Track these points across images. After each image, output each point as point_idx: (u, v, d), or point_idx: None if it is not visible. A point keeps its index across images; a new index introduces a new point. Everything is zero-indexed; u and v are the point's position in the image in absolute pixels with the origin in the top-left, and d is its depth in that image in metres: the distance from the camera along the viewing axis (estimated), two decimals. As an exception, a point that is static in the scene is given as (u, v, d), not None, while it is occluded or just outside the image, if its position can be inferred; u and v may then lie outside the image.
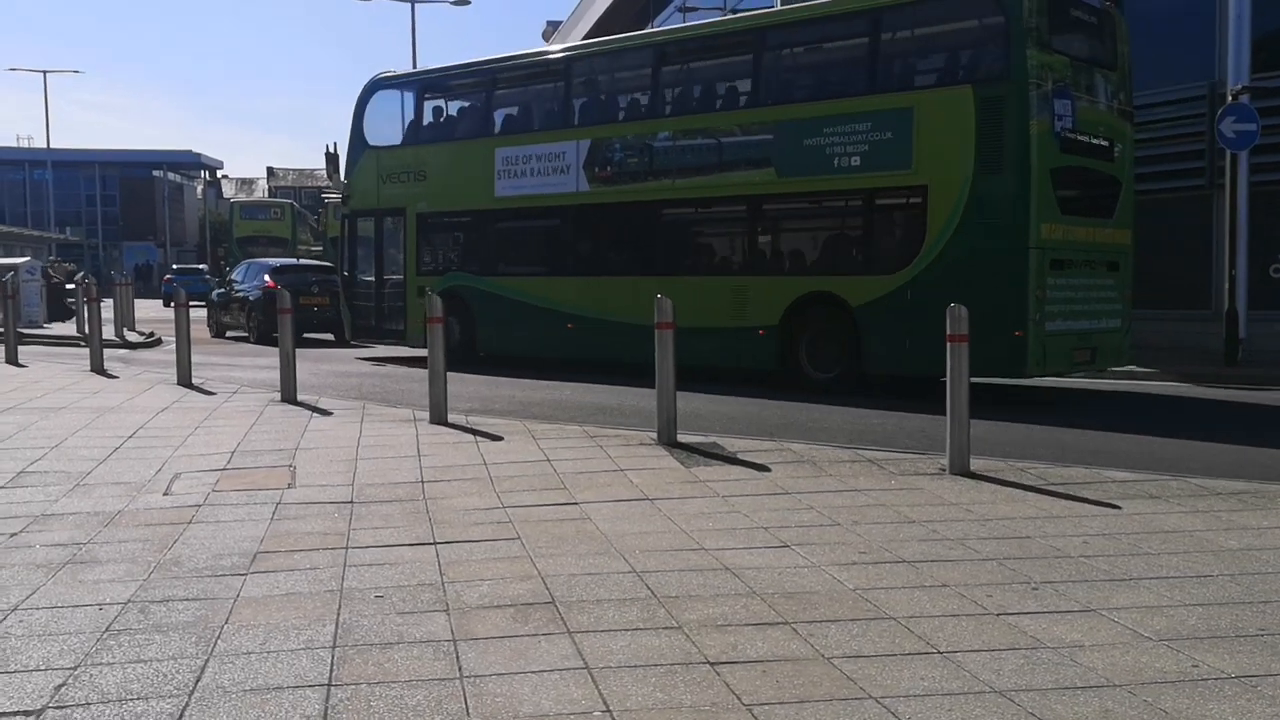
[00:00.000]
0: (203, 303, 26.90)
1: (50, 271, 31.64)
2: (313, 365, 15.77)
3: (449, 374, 9.85)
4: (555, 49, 16.79)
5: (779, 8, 16.82)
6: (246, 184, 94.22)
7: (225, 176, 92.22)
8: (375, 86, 18.14)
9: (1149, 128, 18.70)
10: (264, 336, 21.86)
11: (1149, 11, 19.21)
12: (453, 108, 17.93)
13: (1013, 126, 11.64)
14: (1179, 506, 6.50)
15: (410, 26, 38.21)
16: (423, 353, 17.13)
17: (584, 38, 34.58)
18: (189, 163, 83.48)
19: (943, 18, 13.00)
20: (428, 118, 17.84)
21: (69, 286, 29.21)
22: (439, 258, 17.27)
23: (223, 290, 24.84)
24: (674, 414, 8.42)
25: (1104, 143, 12.72)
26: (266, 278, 22.32)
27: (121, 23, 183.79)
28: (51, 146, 64.74)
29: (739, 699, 3.59)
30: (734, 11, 26.07)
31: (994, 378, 12.55)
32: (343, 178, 18.61)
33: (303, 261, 26.36)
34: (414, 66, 38.15)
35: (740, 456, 7.87)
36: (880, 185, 12.67)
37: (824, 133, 12.94)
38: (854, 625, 4.32)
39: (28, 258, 31.95)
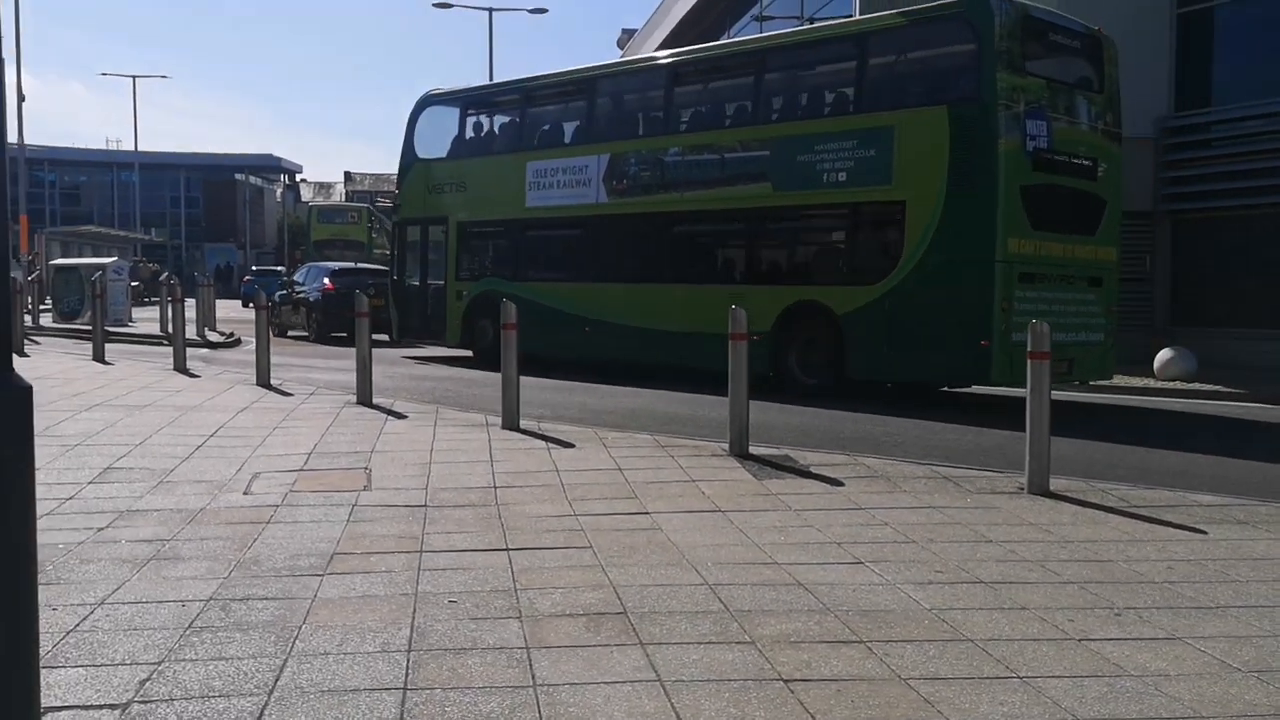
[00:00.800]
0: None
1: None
2: (378, 368, 16.08)
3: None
4: (580, 69, 17.80)
5: (804, 27, 17.28)
6: (324, 188, 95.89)
7: (304, 180, 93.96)
8: (425, 103, 19.23)
9: (1239, 141, 18.27)
10: (322, 336, 23.29)
11: (1241, 24, 18.78)
12: (491, 123, 18.92)
13: (982, 145, 12.21)
14: (1268, 533, 6.30)
15: (488, 35, 38.33)
16: (462, 352, 18.44)
17: (659, 46, 34.68)
18: (269, 166, 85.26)
19: (923, 42, 13.63)
20: (469, 132, 18.84)
21: (133, 284, 30.64)
22: (476, 264, 18.30)
23: (284, 292, 26.13)
24: (746, 425, 8.38)
25: (1085, 162, 13.12)
26: (325, 280, 23.61)
27: (208, 30, 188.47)
28: (139, 149, 66.57)
29: (813, 718, 3.55)
30: (811, 20, 25.93)
31: (962, 385, 13.57)
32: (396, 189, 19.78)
33: (359, 265, 27.57)
34: (490, 75, 38.61)
35: (813, 470, 7.80)
36: (863, 200, 13.35)
37: (815, 150, 13.67)
38: (930, 646, 4.25)
39: (115, 258, 32.85)
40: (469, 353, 18.12)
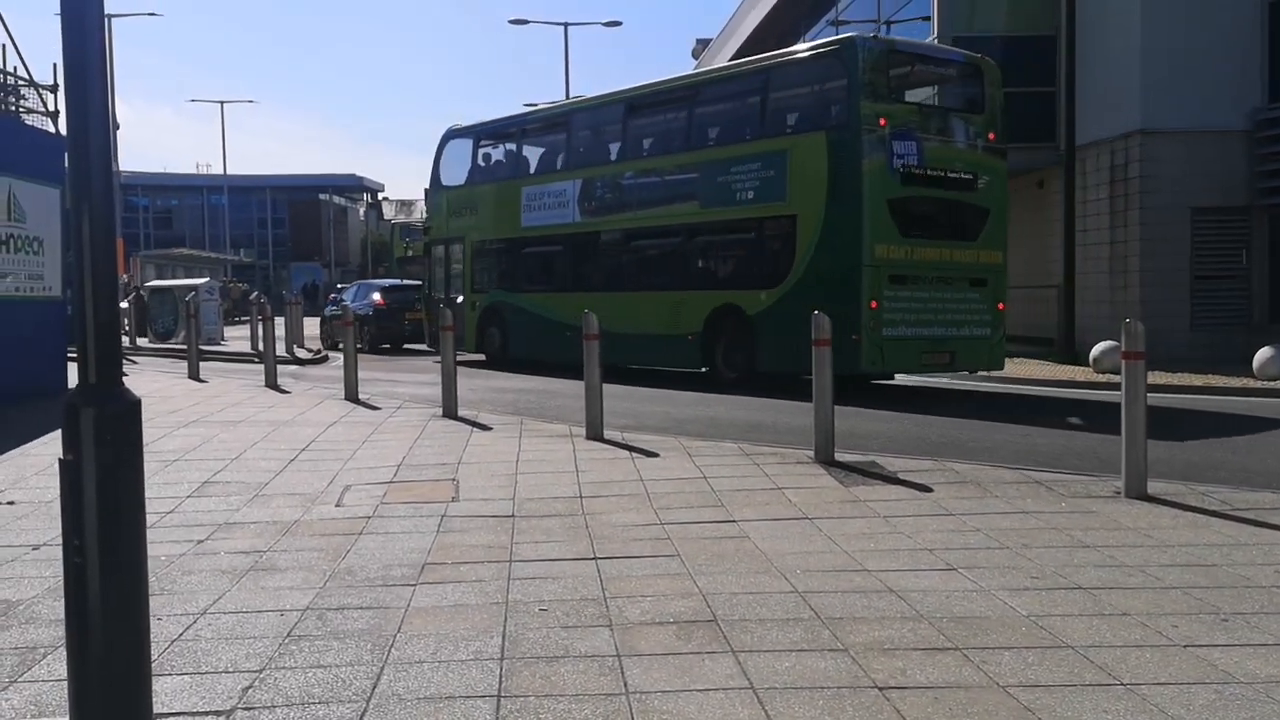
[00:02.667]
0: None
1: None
2: (419, 375, 18.04)
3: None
4: (559, 104, 20.42)
5: (726, 63, 18.42)
6: (405, 205, 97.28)
7: (385, 199, 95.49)
8: (448, 136, 21.69)
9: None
10: (374, 347, 25.44)
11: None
12: (497, 153, 21.39)
13: (850, 165, 13.98)
14: (1382, 535, 6.05)
15: (564, 48, 39.10)
16: (478, 356, 20.57)
17: (734, 55, 34.64)
18: (352, 186, 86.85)
19: (810, 77, 15.48)
20: (480, 162, 21.25)
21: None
22: (486, 278, 20.63)
23: (334, 308, 28.03)
24: (832, 432, 8.31)
25: (963, 175, 14.76)
26: (377, 296, 25.86)
27: (290, 53, 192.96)
28: (227, 173, 68.34)
29: (910, 726, 3.50)
30: (889, 23, 25.72)
31: (843, 374, 15.04)
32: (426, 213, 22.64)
33: (405, 282, 29.14)
34: (566, 88, 38.92)
35: (900, 476, 7.70)
36: (765, 214, 15.22)
37: (730, 171, 15.68)
38: (1029, 653, 4.16)
39: (207, 278, 33.78)
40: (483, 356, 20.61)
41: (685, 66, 55.21)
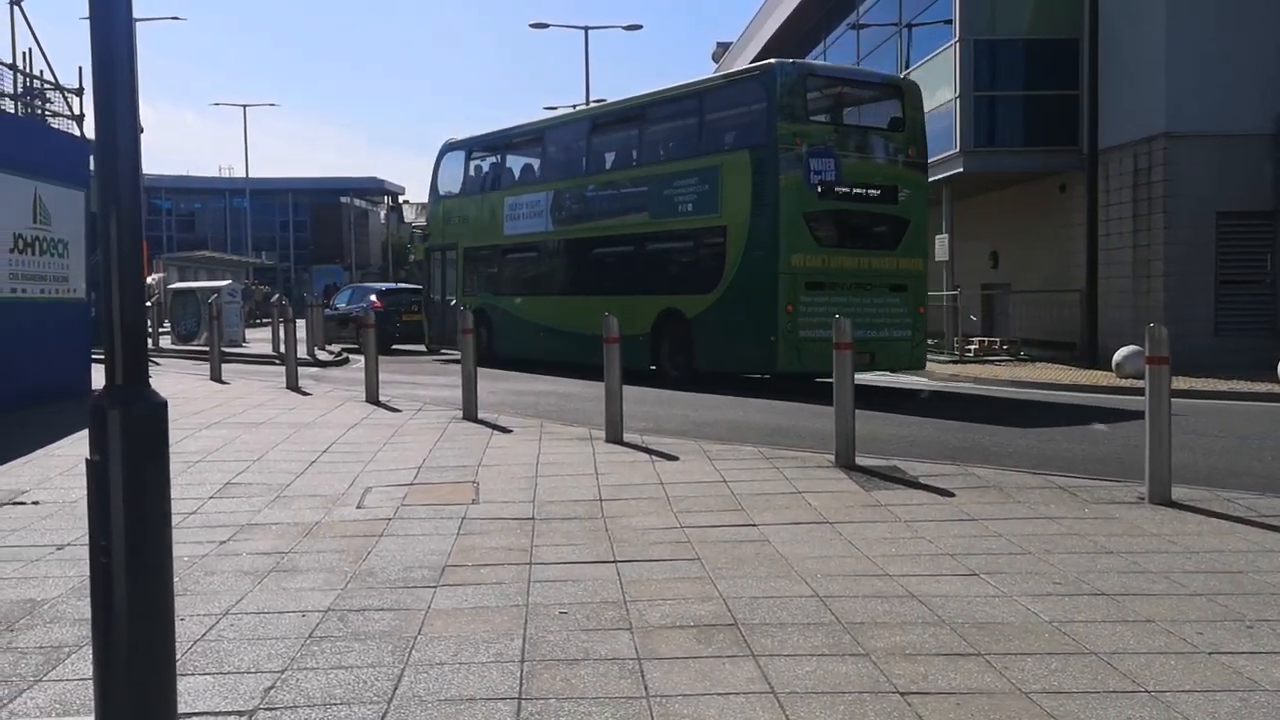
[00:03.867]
0: None
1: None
2: (442, 379, 17.40)
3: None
4: (537, 121, 21.95)
5: (669, 86, 19.27)
6: (426, 209, 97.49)
7: (406, 201, 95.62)
8: (446, 149, 23.20)
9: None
10: None
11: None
12: (486, 165, 22.68)
13: (769, 181, 15.13)
14: None
15: (584, 52, 39.31)
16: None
17: (754, 58, 34.58)
18: (373, 189, 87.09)
19: (738, 99, 16.62)
20: (472, 173, 22.71)
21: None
22: (476, 282, 22.04)
23: (331, 310, 29.11)
24: (852, 436, 8.28)
25: (882, 190, 15.78)
26: (373, 298, 26.69)
27: (313, 58, 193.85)
28: (249, 176, 68.65)
29: (932, 731, 3.48)
30: (910, 26, 25.65)
31: (761, 373, 16.20)
32: (426, 220, 24.44)
33: (401, 285, 30.19)
34: (586, 91, 38.98)
35: (922, 481, 7.67)
36: (701, 225, 16.40)
37: (673, 185, 16.94)
38: (1052, 659, 4.14)
39: (229, 281, 33.99)
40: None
41: (706, 70, 55.20)
